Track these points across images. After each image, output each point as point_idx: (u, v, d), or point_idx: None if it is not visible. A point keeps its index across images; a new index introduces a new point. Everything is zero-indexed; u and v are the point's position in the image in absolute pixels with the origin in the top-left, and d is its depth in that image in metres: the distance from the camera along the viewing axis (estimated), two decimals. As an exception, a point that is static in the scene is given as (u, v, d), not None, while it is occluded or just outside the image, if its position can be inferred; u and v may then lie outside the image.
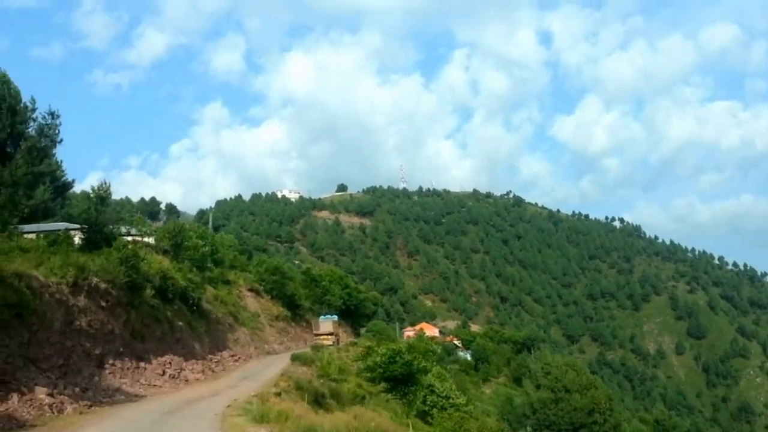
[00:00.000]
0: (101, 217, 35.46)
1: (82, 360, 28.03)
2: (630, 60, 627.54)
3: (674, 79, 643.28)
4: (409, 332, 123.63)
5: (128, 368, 32.07)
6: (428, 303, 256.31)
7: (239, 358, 51.88)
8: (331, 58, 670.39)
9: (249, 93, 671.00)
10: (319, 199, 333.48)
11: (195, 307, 50.85)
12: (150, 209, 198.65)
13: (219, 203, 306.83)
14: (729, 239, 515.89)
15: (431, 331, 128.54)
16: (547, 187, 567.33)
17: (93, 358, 29.14)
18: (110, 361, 30.67)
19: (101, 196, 35.48)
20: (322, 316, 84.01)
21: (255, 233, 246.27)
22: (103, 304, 31.42)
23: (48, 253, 30.00)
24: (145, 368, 34.00)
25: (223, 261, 78.66)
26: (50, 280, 27.43)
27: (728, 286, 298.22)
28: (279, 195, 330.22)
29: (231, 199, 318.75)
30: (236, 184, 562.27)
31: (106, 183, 36.19)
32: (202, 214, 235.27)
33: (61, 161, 29.88)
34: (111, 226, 37.04)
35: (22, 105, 30.31)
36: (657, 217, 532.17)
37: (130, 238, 43.78)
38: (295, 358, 48.59)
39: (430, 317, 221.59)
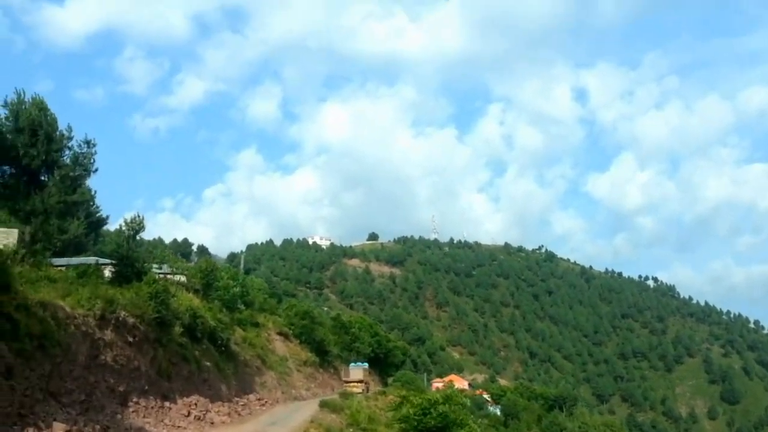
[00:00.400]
0: (133, 251, 34.41)
1: (105, 396, 26.70)
2: (665, 119, 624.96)
3: (710, 139, 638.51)
4: (438, 384, 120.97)
5: (152, 407, 30.63)
6: (456, 355, 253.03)
7: (266, 402, 50.24)
8: (367, 108, 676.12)
9: (284, 141, 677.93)
10: (350, 246, 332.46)
11: (223, 348, 49.49)
12: (182, 250, 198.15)
13: (250, 247, 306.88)
14: (765, 303, 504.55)
15: (460, 383, 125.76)
16: (579, 243, 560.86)
17: (117, 395, 27.80)
18: (134, 399, 29.27)
19: (135, 229, 34.52)
20: (352, 363, 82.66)
21: (285, 278, 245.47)
22: (130, 339, 30.18)
23: (76, 284, 28.94)
24: (170, 408, 32.55)
25: (252, 303, 77.31)
26: (77, 311, 26.30)
27: (764, 351, 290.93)
28: (310, 241, 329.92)
29: (262, 243, 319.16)
30: (267, 229, 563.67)
31: (139, 216, 35.26)
32: (233, 257, 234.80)
33: (95, 192, 28.84)
34: (143, 261, 35.96)
35: (58, 133, 29.59)
36: (691, 278, 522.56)
37: (161, 275, 42.63)
38: (323, 405, 46.81)
39: (458, 370, 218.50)
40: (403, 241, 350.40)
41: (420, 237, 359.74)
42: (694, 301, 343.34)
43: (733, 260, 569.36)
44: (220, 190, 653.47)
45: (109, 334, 28.19)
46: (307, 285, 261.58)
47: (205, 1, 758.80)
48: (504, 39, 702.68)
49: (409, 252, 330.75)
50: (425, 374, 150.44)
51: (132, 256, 33.99)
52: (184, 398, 35.71)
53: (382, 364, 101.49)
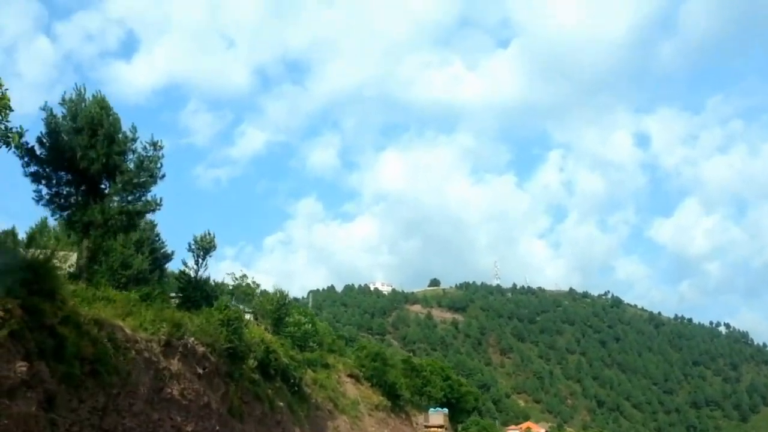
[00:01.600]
0: (203, 272, 30.21)
1: (170, 437, 22.29)
2: (730, 163, 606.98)
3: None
4: (514, 430, 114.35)
5: (225, 452, 26.13)
6: (521, 403, 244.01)
7: (343, 448, 45.44)
8: (425, 156, 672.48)
9: (343, 189, 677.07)
10: (412, 292, 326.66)
11: (296, 388, 45.03)
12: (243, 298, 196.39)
13: (311, 293, 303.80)
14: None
15: (537, 430, 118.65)
16: (643, 290, 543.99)
17: (184, 435, 23.37)
18: (204, 442, 24.79)
19: (205, 248, 30.37)
20: (431, 409, 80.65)
21: (347, 324, 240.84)
22: (200, 371, 25.82)
23: (139, 306, 24.76)
24: (244, 453, 27.99)
25: (322, 344, 72.88)
26: (139, 334, 22.04)
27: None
28: (372, 287, 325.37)
29: (323, 289, 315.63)
30: (327, 277, 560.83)
31: (210, 234, 31.14)
32: (295, 302, 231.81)
33: (161, 198, 24.63)
34: (213, 282, 31.75)
35: (121, 135, 25.63)
36: (761, 324, 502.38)
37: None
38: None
39: (524, 418, 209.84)
40: (465, 287, 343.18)
41: (482, 283, 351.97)
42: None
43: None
44: (280, 238, 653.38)
45: (175, 364, 23.85)
46: (369, 331, 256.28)
47: (266, 55, 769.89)
48: (562, 86, 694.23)
49: (471, 298, 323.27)
50: (496, 420, 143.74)
51: (201, 279, 29.70)
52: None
53: (454, 410, 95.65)
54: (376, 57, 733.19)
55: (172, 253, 46.16)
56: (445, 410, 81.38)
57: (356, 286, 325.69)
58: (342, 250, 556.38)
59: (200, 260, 30.38)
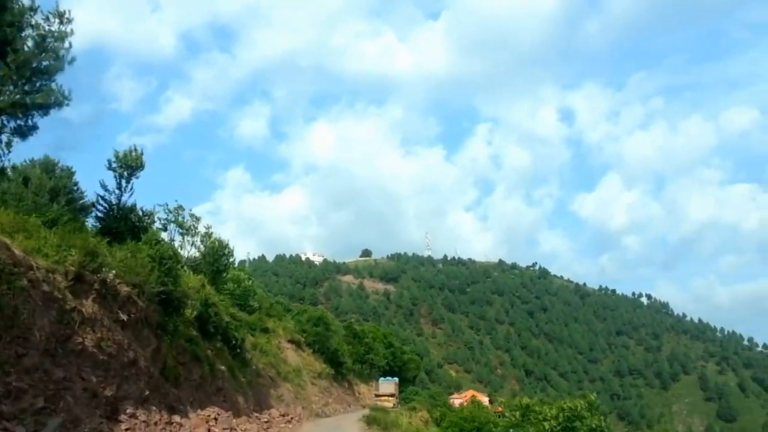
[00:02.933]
0: (128, 197, 23.40)
1: (82, 403, 15.63)
2: (651, 140, 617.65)
3: (694, 160, 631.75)
4: (457, 399, 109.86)
5: (156, 423, 19.49)
6: (453, 373, 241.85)
7: (291, 418, 39.16)
8: (356, 128, 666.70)
9: (272, 159, 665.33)
10: (344, 263, 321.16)
11: (238, 351, 38.58)
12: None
13: (242, 263, 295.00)
14: (751, 321, 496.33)
15: (481, 399, 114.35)
16: (566, 262, 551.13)
17: (102, 401, 16.73)
18: (128, 410, 18.14)
19: (130, 166, 23.62)
20: (382, 378, 77.09)
21: (279, 293, 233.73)
22: (124, 318, 19.12)
23: (39, 229, 17.99)
24: (181, 425, 21.38)
25: (260, 306, 66.29)
26: (36, 260, 15.35)
27: (759, 369, 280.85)
28: (303, 257, 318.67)
29: (254, 259, 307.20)
30: (256, 248, 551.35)
31: (136, 150, 24.35)
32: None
33: (70, 91, 17.79)
34: (143, 215, 24.94)
35: (16, 4, 18.47)
36: (677, 297, 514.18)
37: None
38: (371, 422, 35.99)
39: (456, 388, 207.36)
40: (397, 257, 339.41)
41: (413, 254, 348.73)
42: (688, 318, 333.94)
43: (717, 279, 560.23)
44: (208, 208, 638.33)
45: (89, 306, 17.10)
46: (301, 301, 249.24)
47: (193, 20, 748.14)
48: (491, 60, 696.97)
49: (403, 269, 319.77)
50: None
51: (126, 206, 22.93)
52: (199, 411, 24.67)
53: (390, 377, 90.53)
54: (307, 26, 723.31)
55: (92, 204, 38.99)
56: (396, 379, 77.20)
57: (287, 256, 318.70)
58: (271, 221, 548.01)
59: (124, 182, 23.75)
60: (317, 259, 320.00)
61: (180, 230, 27.13)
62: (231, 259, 42.25)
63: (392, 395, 68.55)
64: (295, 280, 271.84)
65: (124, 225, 23.53)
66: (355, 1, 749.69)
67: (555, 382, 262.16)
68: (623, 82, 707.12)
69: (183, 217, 26.87)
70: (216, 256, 38.80)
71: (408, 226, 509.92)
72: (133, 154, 24.22)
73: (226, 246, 40.32)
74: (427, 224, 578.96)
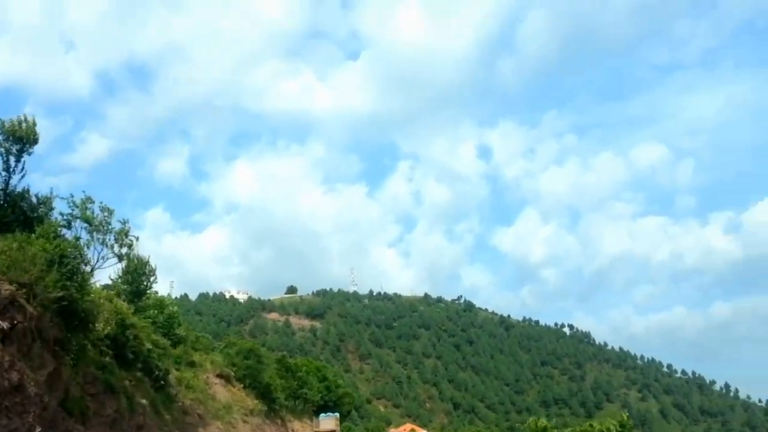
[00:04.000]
0: (18, 180, 17.83)
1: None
2: (564, 175, 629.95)
3: (606, 194, 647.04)
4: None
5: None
6: (381, 408, 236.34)
7: (224, 460, 33.53)
8: (277, 166, 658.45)
9: (193, 199, 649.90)
10: (269, 300, 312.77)
11: (162, 383, 32.78)
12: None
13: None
14: (666, 350, 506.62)
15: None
16: (488, 297, 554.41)
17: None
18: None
19: (20, 139, 18.10)
20: (322, 414, 73.86)
21: (203, 332, 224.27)
22: (4, 325, 13.63)
23: None
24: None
25: (185, 338, 60.04)
26: None
27: (679, 395, 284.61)
28: (227, 295, 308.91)
29: (177, 297, 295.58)
30: (177, 288, 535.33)
31: (27, 120, 18.84)
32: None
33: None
34: (38, 201, 19.31)
35: None
36: (595, 327, 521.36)
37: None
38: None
39: (386, 422, 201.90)
40: (323, 293, 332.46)
41: (339, 289, 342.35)
42: (609, 347, 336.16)
43: (632, 310, 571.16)
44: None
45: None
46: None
47: (109, 59, 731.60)
48: (410, 98, 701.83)
49: (329, 305, 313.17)
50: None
51: (15, 193, 17.37)
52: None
53: (331, 412, 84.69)
54: (226, 65, 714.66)
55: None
56: (337, 414, 74.35)
57: (211, 294, 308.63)
58: (192, 261, 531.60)
59: (12, 160, 18.29)
60: (242, 297, 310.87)
61: (88, 227, 21.79)
62: (153, 279, 36.43)
63: (332, 431, 63.74)
64: (219, 318, 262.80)
65: (11, 213, 18.02)
66: (273, 41, 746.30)
67: (483, 414, 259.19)
68: (537, 119, 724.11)
69: (92, 212, 21.55)
70: (135, 275, 32.99)
71: (331, 263, 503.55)
72: (24, 125, 18.79)
73: (147, 264, 34.57)
74: (350, 261, 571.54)
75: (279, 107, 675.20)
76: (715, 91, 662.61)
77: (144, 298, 35.54)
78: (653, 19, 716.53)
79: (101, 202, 22.62)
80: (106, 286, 28.59)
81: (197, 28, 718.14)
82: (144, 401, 27.01)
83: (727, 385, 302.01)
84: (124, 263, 32.42)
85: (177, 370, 47.95)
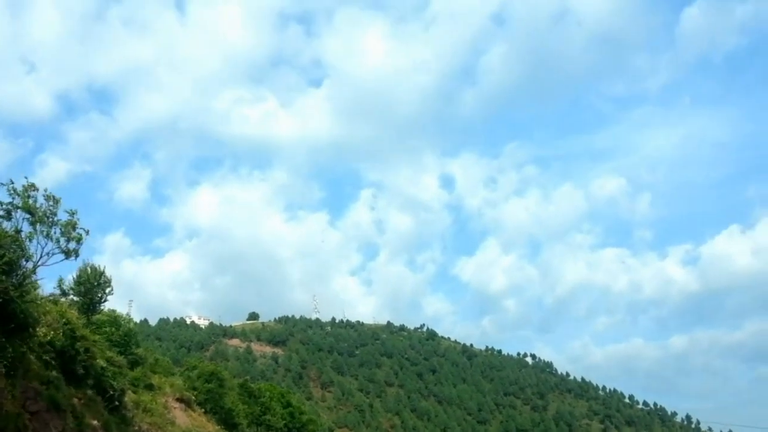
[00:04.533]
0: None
1: None
2: (525, 206, 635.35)
3: (566, 225, 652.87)
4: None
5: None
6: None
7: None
8: (239, 192, 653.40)
9: (153, 224, 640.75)
10: (230, 326, 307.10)
11: (117, 404, 29.65)
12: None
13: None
14: (625, 379, 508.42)
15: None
16: (449, 326, 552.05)
17: None
18: None
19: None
20: None
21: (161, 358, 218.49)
22: None
23: None
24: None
25: (144, 360, 56.53)
26: None
27: (641, 426, 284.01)
28: (188, 321, 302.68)
29: (137, 322, 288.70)
30: (136, 314, 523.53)
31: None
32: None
33: None
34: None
35: None
36: (555, 357, 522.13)
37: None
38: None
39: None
40: (285, 320, 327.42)
41: (301, 316, 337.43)
42: (571, 377, 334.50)
43: (591, 340, 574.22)
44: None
45: None
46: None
47: (70, 81, 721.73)
48: (373, 127, 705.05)
49: (291, 332, 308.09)
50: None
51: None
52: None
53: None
54: (188, 90, 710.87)
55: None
56: None
57: (171, 319, 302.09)
58: (152, 286, 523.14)
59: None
60: (203, 323, 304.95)
61: (30, 218, 18.97)
62: (108, 290, 33.26)
63: None
64: (179, 344, 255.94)
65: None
66: (235, 67, 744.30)
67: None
68: (499, 150, 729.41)
69: (35, 201, 18.81)
70: (88, 286, 29.89)
71: (293, 290, 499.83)
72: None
73: (102, 274, 31.47)
74: (312, 288, 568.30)
75: (242, 133, 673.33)
76: (674, 127, 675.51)
77: (98, 311, 32.31)
78: (612, 52, 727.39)
79: (46, 190, 19.87)
80: (52, 295, 25.47)
81: (160, 51, 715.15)
82: (95, 422, 23.98)
83: (688, 417, 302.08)
84: (75, 274, 29.37)
85: (134, 392, 44.69)
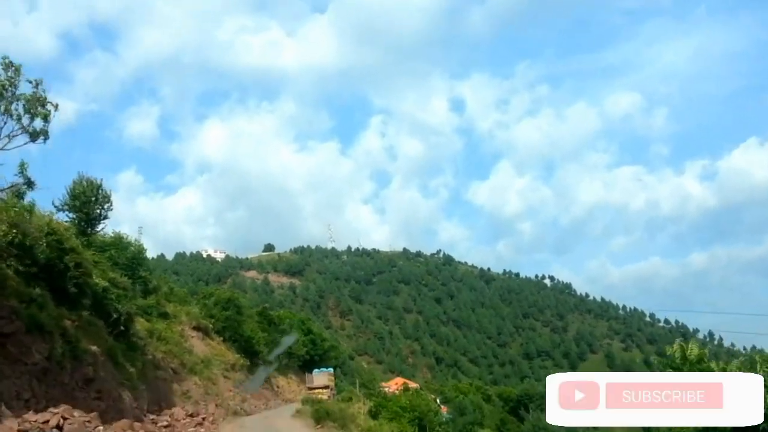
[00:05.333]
0: None
1: None
2: (538, 126, 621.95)
3: (581, 144, 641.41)
4: (389, 386, 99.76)
5: None
6: (364, 364, 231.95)
7: (203, 419, 27.42)
8: (248, 125, 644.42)
9: (164, 160, 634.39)
10: (247, 258, 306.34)
11: (123, 329, 26.52)
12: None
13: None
14: (640, 299, 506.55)
15: (411, 385, 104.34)
16: (464, 251, 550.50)
17: None
18: None
19: None
20: (315, 370, 70.54)
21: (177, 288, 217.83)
22: None
23: None
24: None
25: (158, 288, 53.70)
26: None
27: (663, 343, 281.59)
28: (204, 254, 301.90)
29: (153, 258, 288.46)
30: (152, 251, 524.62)
31: None
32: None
33: None
34: None
35: None
36: (572, 280, 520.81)
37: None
38: (321, 416, 24.66)
39: (369, 379, 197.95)
40: (300, 251, 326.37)
41: (317, 246, 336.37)
42: (591, 298, 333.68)
43: (608, 260, 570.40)
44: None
45: None
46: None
47: (72, 19, 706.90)
48: (378, 51, 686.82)
49: (307, 261, 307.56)
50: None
51: None
52: (31, 412, 12.90)
53: (317, 367, 78.93)
54: (190, 22, 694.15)
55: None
56: (331, 369, 71.22)
57: (188, 254, 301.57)
58: (167, 223, 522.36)
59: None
60: (219, 256, 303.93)
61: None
62: (107, 206, 29.76)
63: (326, 387, 61.55)
64: (197, 277, 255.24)
65: None
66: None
67: (465, 368, 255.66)
68: (510, 71, 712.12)
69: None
70: (83, 199, 26.39)
71: (307, 222, 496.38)
72: None
73: (99, 187, 27.89)
74: (325, 219, 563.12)
75: (247, 64, 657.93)
76: (688, 38, 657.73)
77: (97, 230, 28.88)
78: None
79: (5, 57, 16.14)
80: (14, 186, 21.78)
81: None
82: (94, 348, 20.80)
83: (711, 334, 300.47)
84: (69, 187, 25.80)
85: (147, 321, 41.92)
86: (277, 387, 67.87)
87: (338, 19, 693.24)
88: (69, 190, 27.25)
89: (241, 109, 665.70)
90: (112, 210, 29.91)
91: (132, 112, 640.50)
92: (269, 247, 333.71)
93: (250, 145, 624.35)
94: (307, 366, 74.54)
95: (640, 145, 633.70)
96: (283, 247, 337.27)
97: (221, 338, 56.20)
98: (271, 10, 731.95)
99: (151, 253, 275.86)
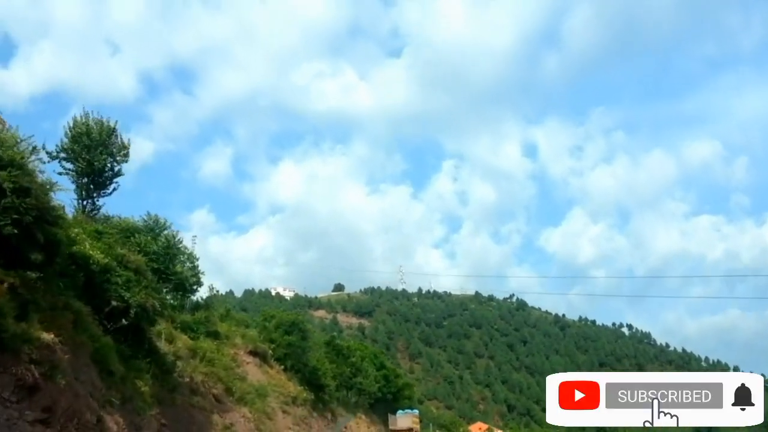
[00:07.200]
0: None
1: None
2: (613, 173, 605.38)
3: (658, 192, 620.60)
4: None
5: None
6: (434, 409, 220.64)
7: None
8: (321, 167, 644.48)
9: (236, 200, 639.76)
10: (316, 297, 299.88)
11: (131, 327, 18.12)
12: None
13: (208, 299, 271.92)
14: (723, 352, 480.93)
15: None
16: (537, 297, 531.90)
17: None
18: None
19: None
20: (399, 411, 66.32)
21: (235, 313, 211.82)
22: None
23: None
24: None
25: (209, 305, 45.70)
26: None
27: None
28: (273, 292, 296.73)
29: (222, 294, 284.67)
30: (221, 288, 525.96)
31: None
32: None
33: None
34: None
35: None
36: (655, 327, 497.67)
37: None
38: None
39: (450, 421, 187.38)
40: (370, 291, 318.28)
41: (387, 287, 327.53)
42: (671, 348, 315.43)
43: (685, 311, 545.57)
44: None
45: None
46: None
47: (153, 61, 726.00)
48: (453, 96, 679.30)
49: (377, 302, 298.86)
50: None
51: None
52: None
53: (390, 407, 69.61)
54: (267, 65, 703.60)
55: None
56: (416, 411, 67.41)
57: (257, 291, 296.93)
58: (237, 262, 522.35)
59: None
60: (288, 294, 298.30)
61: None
62: (123, 155, 21.62)
63: (410, 429, 58.05)
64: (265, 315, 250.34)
65: None
66: (313, 40, 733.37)
67: (539, 417, 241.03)
68: (584, 116, 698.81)
69: None
70: (87, 143, 18.36)
71: (377, 263, 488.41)
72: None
73: (113, 131, 19.82)
74: (395, 261, 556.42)
75: (321, 106, 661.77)
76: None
77: (108, 191, 20.75)
78: (702, 11, 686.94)
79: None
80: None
81: (236, 27, 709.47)
82: (49, 337, 12.37)
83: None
84: (68, 125, 17.76)
85: (192, 339, 33.78)
86: (345, 428, 58.82)
87: (412, 63, 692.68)
88: (68, 130, 19.42)
89: (315, 152, 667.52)
90: (126, 161, 21.77)
91: (207, 152, 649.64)
92: (339, 287, 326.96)
93: (323, 186, 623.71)
94: (378, 404, 65.53)
95: (720, 194, 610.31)
96: (352, 288, 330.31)
97: (282, 366, 47.86)
98: (345, 55, 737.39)
99: (220, 288, 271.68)
